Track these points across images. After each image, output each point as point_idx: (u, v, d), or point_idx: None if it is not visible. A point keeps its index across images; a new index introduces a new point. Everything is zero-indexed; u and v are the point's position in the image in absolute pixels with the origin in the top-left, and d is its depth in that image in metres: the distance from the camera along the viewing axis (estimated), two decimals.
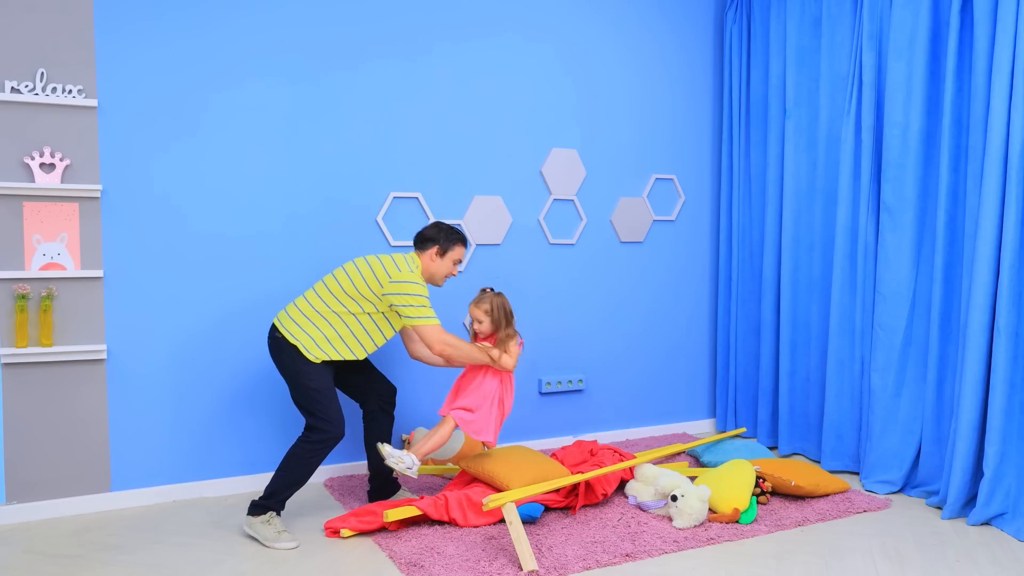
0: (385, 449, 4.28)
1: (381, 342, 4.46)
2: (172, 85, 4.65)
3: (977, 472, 4.56)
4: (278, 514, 4.21)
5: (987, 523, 4.43)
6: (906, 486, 4.98)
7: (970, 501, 4.57)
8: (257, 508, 4.18)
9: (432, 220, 4.97)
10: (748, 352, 6.19)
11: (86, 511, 4.57)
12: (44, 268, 4.39)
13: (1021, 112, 4.24)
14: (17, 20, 4.31)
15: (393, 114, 5.21)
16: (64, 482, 4.53)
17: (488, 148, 5.52)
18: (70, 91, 4.39)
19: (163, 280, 4.68)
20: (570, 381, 5.87)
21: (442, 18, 5.32)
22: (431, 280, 4.52)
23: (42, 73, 4.33)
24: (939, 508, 4.67)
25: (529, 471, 4.48)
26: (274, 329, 4.31)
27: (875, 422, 5.07)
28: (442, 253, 4.48)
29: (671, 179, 6.19)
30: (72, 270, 4.44)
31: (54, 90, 4.36)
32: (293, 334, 4.24)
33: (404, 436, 5.16)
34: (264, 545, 4.10)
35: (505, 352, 4.53)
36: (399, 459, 4.25)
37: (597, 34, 5.84)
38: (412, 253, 4.50)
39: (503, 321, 4.58)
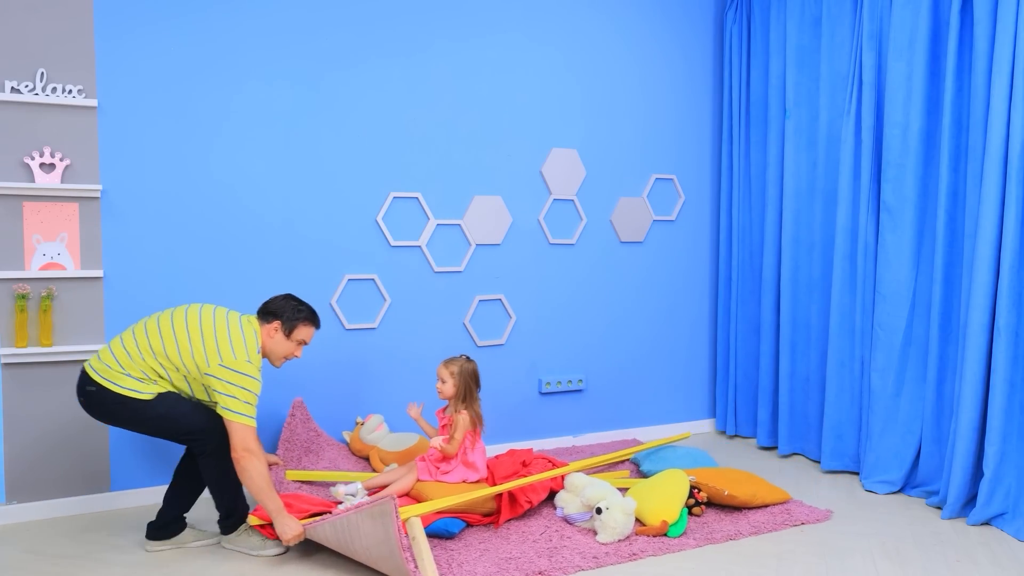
0: (340, 492, 4.32)
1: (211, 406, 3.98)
2: (172, 85, 4.65)
3: (977, 472, 4.54)
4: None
5: (987, 523, 4.42)
6: (906, 486, 4.97)
7: (970, 501, 4.56)
8: (228, 527, 4.03)
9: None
10: (748, 352, 6.19)
11: (86, 511, 4.57)
12: (44, 268, 4.39)
13: (1021, 112, 4.23)
14: (17, 20, 4.31)
15: (393, 113, 5.21)
16: (64, 482, 4.53)
17: (488, 148, 5.52)
18: (70, 91, 4.39)
19: (163, 280, 4.68)
20: (570, 381, 5.87)
21: (442, 17, 5.33)
22: (268, 357, 4.09)
23: (42, 73, 4.33)
24: (939, 508, 4.65)
25: (451, 486, 4.41)
26: (87, 381, 3.83)
27: (875, 422, 5.06)
28: (287, 332, 4.05)
29: (671, 179, 6.18)
30: (72, 270, 4.44)
31: (54, 90, 4.36)
32: (116, 382, 3.78)
33: (359, 419, 5.12)
34: (252, 555, 3.97)
35: (449, 441, 4.45)
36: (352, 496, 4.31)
37: (597, 34, 5.84)
38: (257, 323, 4.03)
39: (466, 389, 4.51)
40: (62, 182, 4.39)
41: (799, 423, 5.76)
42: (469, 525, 4.33)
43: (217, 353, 3.80)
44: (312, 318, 4.13)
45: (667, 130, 6.15)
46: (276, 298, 4.12)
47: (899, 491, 4.97)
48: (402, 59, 5.22)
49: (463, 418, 4.47)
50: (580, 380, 5.91)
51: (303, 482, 4.66)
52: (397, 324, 5.30)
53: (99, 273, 4.50)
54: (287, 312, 4.04)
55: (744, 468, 5.43)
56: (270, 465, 4.42)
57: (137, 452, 4.67)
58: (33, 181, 4.34)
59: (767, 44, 5.95)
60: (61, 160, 4.38)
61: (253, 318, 4.04)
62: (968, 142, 4.63)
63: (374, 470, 4.91)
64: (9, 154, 4.32)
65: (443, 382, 4.54)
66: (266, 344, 4.03)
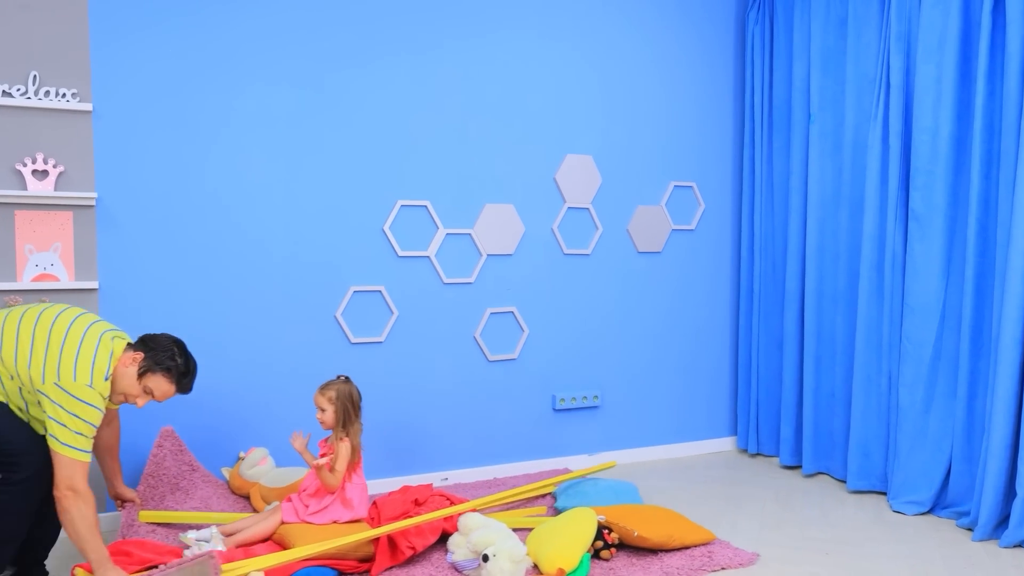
0: (190, 537, 3.75)
1: (40, 430, 3.42)
2: (170, 89, 4.57)
3: (1010, 492, 4.44)
4: None
5: (1020, 545, 4.31)
6: (935, 506, 4.86)
7: (1002, 522, 4.45)
8: None
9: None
10: (771, 367, 6.06)
11: None
12: (37, 279, 4.29)
13: None
14: (9, 20, 4.23)
15: (400, 118, 5.11)
16: None
17: (500, 154, 5.40)
18: (64, 95, 4.31)
19: (160, 291, 4.58)
20: (585, 397, 5.73)
21: (451, 17, 5.22)
22: (112, 386, 3.45)
23: (35, 76, 4.26)
24: (970, 530, 4.55)
25: (320, 529, 3.96)
26: None
27: (903, 440, 4.94)
28: (141, 371, 3.47)
29: (691, 186, 6.04)
30: (66, 281, 4.35)
31: (47, 94, 4.28)
32: None
33: (241, 454, 4.85)
34: None
35: (332, 469, 4.02)
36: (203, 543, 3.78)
37: (613, 34, 5.72)
38: (120, 347, 3.50)
39: (346, 413, 4.07)
40: (56, 190, 4.30)
41: (824, 441, 5.63)
42: (342, 574, 3.85)
43: (56, 369, 3.26)
44: (179, 376, 3.56)
45: (686, 135, 6.02)
46: (167, 336, 3.61)
47: (928, 512, 4.85)
48: (409, 59, 5.12)
49: (345, 447, 4.04)
50: (596, 396, 5.77)
51: (158, 524, 4.15)
52: (405, 337, 5.17)
53: (94, 284, 4.41)
54: (159, 353, 3.50)
55: (766, 488, 5.33)
56: (124, 502, 4.12)
57: (136, 463, 4.56)
58: (25, 189, 4.25)
59: (791, 46, 5.82)
60: (55, 167, 4.30)
61: (120, 340, 3.52)
62: (1000, 148, 4.53)
63: (254, 510, 4.41)
64: (0, 161, 4.23)
65: (322, 411, 4.08)
66: (116, 371, 3.44)
